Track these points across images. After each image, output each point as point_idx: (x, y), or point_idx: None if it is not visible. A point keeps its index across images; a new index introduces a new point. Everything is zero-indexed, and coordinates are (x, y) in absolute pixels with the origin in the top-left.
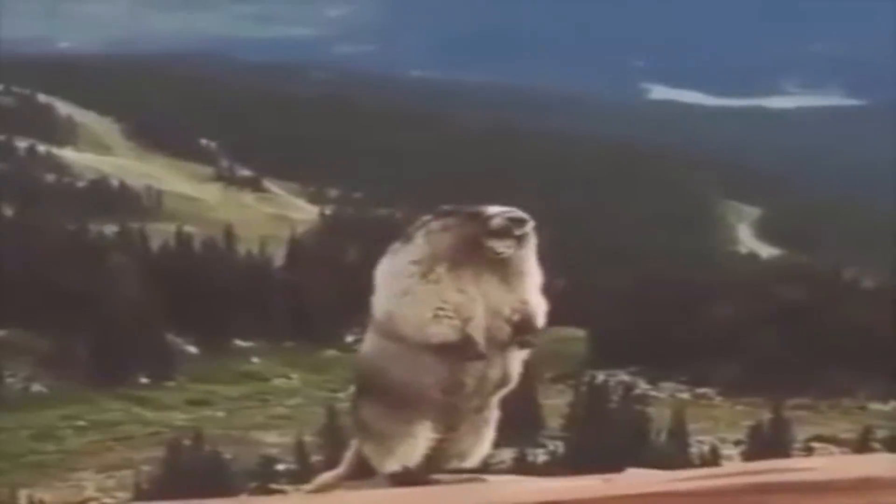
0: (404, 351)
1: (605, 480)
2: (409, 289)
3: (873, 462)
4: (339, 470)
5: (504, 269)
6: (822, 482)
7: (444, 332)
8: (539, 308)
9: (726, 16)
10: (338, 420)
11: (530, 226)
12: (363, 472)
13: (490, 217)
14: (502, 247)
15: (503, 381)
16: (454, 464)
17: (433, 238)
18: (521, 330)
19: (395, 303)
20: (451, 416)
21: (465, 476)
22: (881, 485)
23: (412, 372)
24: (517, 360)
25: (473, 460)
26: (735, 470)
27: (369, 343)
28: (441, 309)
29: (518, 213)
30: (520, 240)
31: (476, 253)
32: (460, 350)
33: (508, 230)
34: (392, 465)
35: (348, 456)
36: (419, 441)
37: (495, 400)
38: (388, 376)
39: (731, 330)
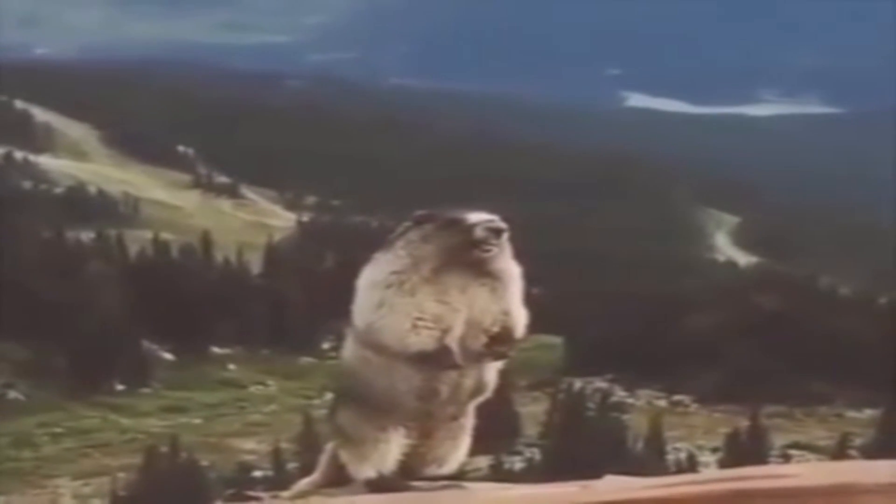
0: (382, 359)
1: (583, 487)
2: (387, 299)
3: (851, 469)
4: (315, 477)
5: (491, 279)
6: (800, 488)
7: (422, 342)
8: (520, 320)
9: (704, 24)
10: (314, 427)
11: (506, 235)
12: (339, 479)
13: (472, 226)
14: (483, 254)
15: (478, 389)
16: (432, 470)
17: (413, 248)
18: (499, 341)
19: (375, 313)
20: (426, 422)
21: (442, 483)
22: (858, 491)
23: (388, 379)
24: (492, 369)
25: (451, 466)
26: (713, 476)
27: (349, 350)
28: (420, 319)
29: (497, 222)
30: (498, 248)
31: (459, 262)
32: (437, 360)
33: (488, 240)
34: (367, 471)
35: (323, 462)
36: (392, 447)
37: (471, 408)
38: (365, 383)
39: (708, 337)
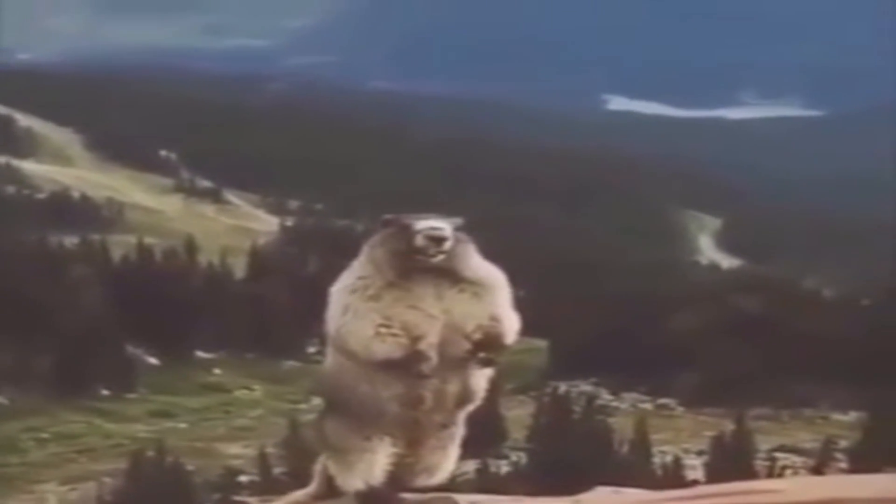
0: (357, 366)
1: (574, 501)
2: (352, 304)
3: (836, 483)
4: (310, 489)
5: (471, 285)
6: None
7: (387, 349)
8: (510, 326)
9: (685, 27)
10: (300, 431)
11: (449, 244)
12: (332, 492)
13: (414, 233)
14: (427, 259)
15: (465, 397)
16: (422, 480)
17: (373, 253)
18: (484, 347)
19: (341, 318)
20: (412, 431)
21: (432, 495)
22: None
23: (370, 386)
24: (480, 376)
25: (441, 476)
26: (702, 492)
27: (329, 358)
28: (384, 326)
29: (440, 231)
30: (446, 253)
31: (416, 267)
32: (405, 367)
33: (427, 249)
34: (355, 483)
35: (317, 474)
36: (378, 457)
37: (461, 416)
38: (348, 391)
39: (692, 340)
